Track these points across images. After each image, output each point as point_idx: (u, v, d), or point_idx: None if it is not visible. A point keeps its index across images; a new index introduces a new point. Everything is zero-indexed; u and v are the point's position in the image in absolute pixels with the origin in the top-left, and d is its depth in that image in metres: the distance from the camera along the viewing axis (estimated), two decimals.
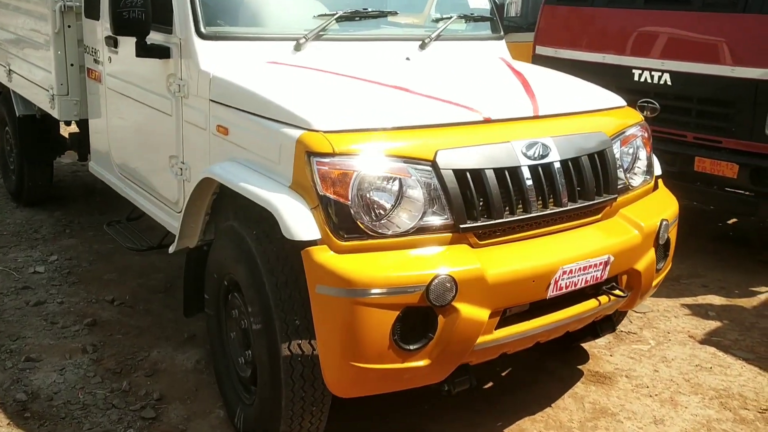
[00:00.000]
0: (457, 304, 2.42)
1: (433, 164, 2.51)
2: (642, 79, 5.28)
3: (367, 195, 2.43)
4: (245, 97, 2.82)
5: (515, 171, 2.68)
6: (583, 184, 2.91)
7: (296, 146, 2.46)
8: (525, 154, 2.72)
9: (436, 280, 2.35)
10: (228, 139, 2.91)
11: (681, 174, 5.08)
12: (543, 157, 2.76)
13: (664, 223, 3.10)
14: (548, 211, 2.76)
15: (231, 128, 2.88)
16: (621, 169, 3.13)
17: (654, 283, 3.23)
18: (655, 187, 3.44)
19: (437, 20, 3.92)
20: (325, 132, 2.45)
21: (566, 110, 3.04)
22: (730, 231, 6.02)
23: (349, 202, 2.39)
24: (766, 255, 5.40)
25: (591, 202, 2.91)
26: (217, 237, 3.00)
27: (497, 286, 2.50)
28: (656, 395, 3.46)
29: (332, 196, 2.38)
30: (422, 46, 3.68)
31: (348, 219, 2.40)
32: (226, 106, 2.93)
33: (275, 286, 2.54)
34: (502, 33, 4.20)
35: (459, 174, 2.55)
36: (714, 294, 4.69)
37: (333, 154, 2.39)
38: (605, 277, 2.87)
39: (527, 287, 2.60)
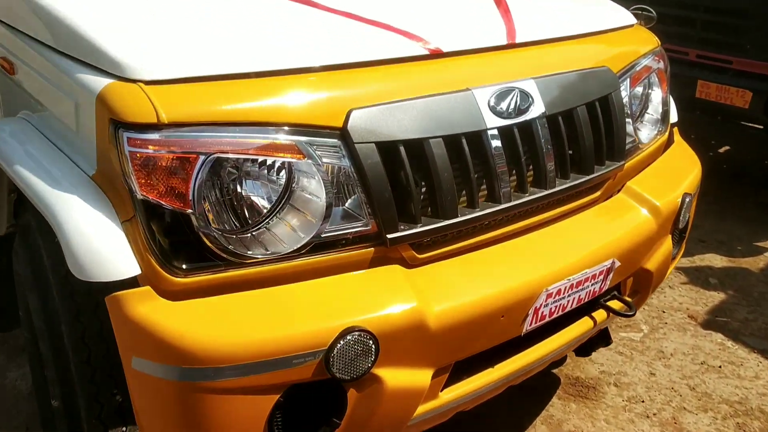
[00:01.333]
0: (380, 371, 1.47)
1: (343, 134, 1.49)
2: None
3: (225, 194, 1.41)
4: (32, 12, 1.70)
5: (477, 137, 1.68)
6: (579, 149, 1.92)
7: (96, 108, 1.39)
8: (493, 109, 1.71)
9: (342, 342, 1.39)
10: (16, 82, 1.81)
11: (678, 100, 4.10)
12: (521, 111, 1.75)
13: (687, 198, 2.16)
14: (527, 197, 1.78)
15: (18, 65, 1.78)
16: (629, 121, 2.15)
17: (667, 274, 2.32)
18: (670, 139, 2.47)
19: None
20: (147, 82, 1.38)
21: (555, 34, 1.99)
22: (723, 163, 5.15)
23: (191, 210, 1.37)
24: (767, 196, 4.56)
25: (589, 177, 1.94)
26: (18, 235, 1.94)
27: (446, 334, 1.55)
28: (655, 414, 2.63)
29: (160, 201, 1.35)
30: None
31: (189, 238, 1.38)
32: (9, 26, 1.81)
33: (80, 343, 1.53)
34: None
35: (386, 148, 1.54)
36: (713, 252, 3.85)
37: (159, 126, 1.34)
38: (606, 288, 1.95)
39: (493, 327, 1.65)
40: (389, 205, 1.53)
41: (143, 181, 1.33)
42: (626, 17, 2.30)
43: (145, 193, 1.34)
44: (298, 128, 1.45)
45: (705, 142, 5.26)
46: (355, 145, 1.49)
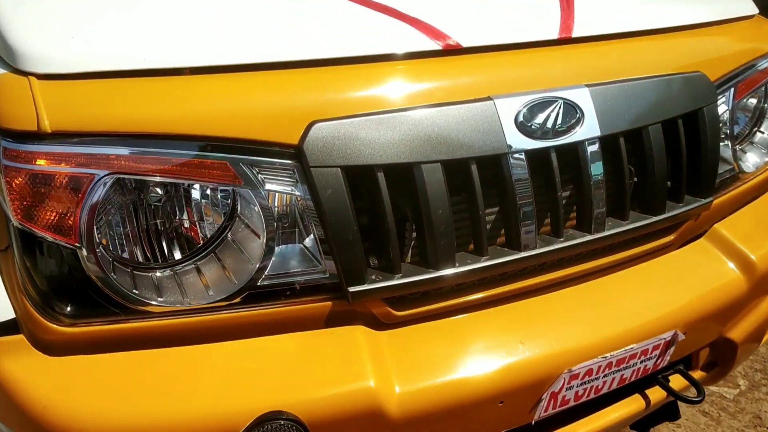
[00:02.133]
0: None
1: (299, 153, 1.13)
2: None
3: (128, 226, 1.10)
4: None
5: (495, 163, 1.27)
6: (647, 181, 1.46)
7: None
8: (522, 126, 1.29)
9: None
10: None
11: None
12: (563, 131, 1.32)
13: None
14: (560, 245, 1.36)
15: None
16: (727, 144, 1.64)
17: (762, 341, 1.81)
18: None
19: None
20: (40, 76, 1.08)
21: (631, 26, 1.51)
22: None
23: (80, 243, 1.06)
24: None
25: (657, 218, 1.47)
26: None
27: (412, 424, 1.18)
28: None
29: (40, 230, 1.06)
30: None
31: (76, 278, 1.09)
32: None
33: None
34: None
35: (358, 174, 1.18)
36: None
37: (41, 135, 1.04)
38: (664, 364, 1.49)
39: (486, 415, 1.26)
40: (353, 249, 1.17)
41: (19, 204, 1.04)
42: (743, 5, 1.76)
43: (21, 220, 1.05)
44: (235, 143, 1.11)
45: None
46: (311, 169, 1.13)
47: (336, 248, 1.16)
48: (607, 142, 1.38)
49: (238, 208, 1.14)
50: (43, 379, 1.05)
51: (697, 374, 1.64)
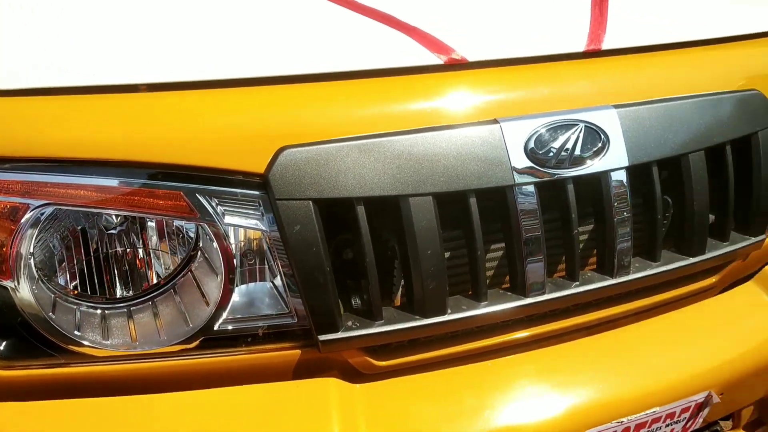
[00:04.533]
0: None
1: (266, 183, 0.99)
2: None
3: (70, 261, 0.98)
4: None
5: (499, 196, 1.11)
6: (686, 216, 1.26)
7: None
8: (533, 153, 1.11)
9: None
10: None
11: None
12: (583, 159, 1.14)
13: None
14: (575, 290, 1.18)
15: None
16: None
17: None
18: None
19: None
20: None
21: (671, 37, 1.31)
22: None
23: (12, 280, 0.96)
24: None
25: (696, 260, 1.28)
26: None
27: None
28: None
29: None
30: None
31: (12, 318, 0.98)
32: None
33: None
34: None
35: (334, 208, 1.04)
36: None
37: None
38: (696, 427, 1.30)
39: None
40: (325, 293, 1.02)
41: None
42: None
43: None
44: (191, 171, 0.98)
45: None
46: (277, 201, 0.99)
47: (305, 291, 1.02)
48: (636, 171, 1.19)
49: (196, 243, 1.01)
50: None
51: None
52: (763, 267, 1.41)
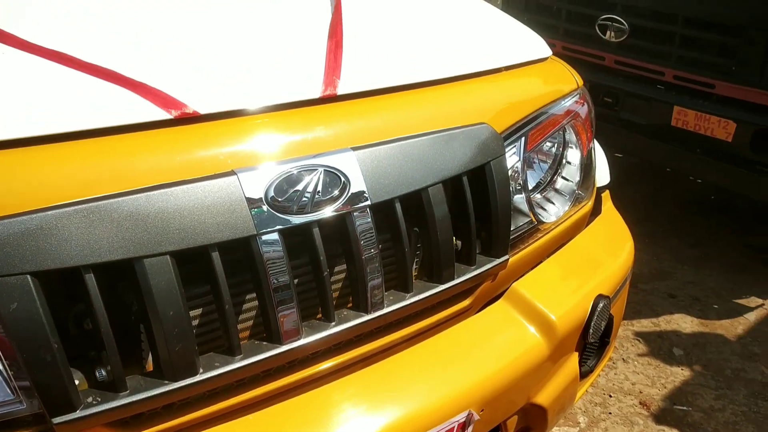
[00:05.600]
0: None
1: None
2: None
3: None
4: None
5: (243, 247, 1.10)
6: (430, 248, 1.33)
7: None
8: (273, 202, 1.12)
9: None
10: None
11: (651, 128, 3.50)
12: (325, 202, 1.16)
13: (601, 304, 1.56)
14: (330, 331, 1.20)
15: None
16: (521, 193, 1.55)
17: (577, 398, 1.73)
18: (596, 210, 1.87)
19: None
20: None
21: (408, 78, 1.39)
22: (711, 194, 4.51)
23: None
24: (755, 237, 3.94)
25: (444, 286, 1.35)
26: None
27: None
28: None
29: None
30: None
31: None
32: None
33: None
34: None
35: (58, 279, 0.97)
36: (684, 311, 3.24)
37: None
38: None
39: None
40: (55, 372, 0.95)
41: None
42: (535, 48, 1.69)
43: None
44: None
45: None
46: None
47: (31, 373, 0.94)
48: (380, 209, 1.24)
49: None
50: None
51: None
52: (510, 285, 1.52)
